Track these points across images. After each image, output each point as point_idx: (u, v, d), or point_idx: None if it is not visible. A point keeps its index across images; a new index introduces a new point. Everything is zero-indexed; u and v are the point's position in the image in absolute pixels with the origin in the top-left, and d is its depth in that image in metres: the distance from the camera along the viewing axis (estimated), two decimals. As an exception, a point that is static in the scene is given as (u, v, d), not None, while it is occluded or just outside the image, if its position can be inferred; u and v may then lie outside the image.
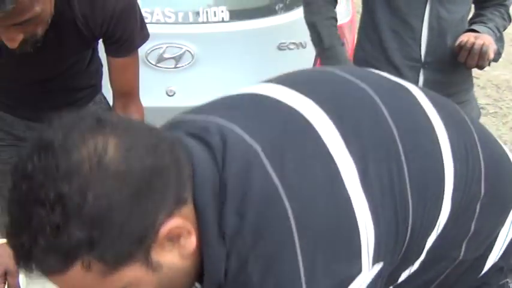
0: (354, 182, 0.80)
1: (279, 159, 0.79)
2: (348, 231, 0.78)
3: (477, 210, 0.96)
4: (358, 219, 0.79)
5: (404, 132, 0.88)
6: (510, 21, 2.06)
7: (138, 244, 0.72)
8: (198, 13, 2.35)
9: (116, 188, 0.69)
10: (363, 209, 0.80)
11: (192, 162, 0.76)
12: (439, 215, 0.90)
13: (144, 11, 2.19)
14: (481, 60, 1.82)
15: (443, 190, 0.91)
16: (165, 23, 2.33)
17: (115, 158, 0.70)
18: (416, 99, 0.96)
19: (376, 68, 1.87)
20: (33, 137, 0.74)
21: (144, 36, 1.59)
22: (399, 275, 0.94)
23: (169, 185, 0.73)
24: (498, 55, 1.93)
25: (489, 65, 1.89)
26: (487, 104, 4.29)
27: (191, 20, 2.35)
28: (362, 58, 2.00)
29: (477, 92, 4.55)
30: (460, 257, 0.97)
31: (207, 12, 2.35)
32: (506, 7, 2.04)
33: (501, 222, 1.01)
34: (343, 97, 0.92)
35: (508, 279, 1.08)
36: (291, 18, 2.46)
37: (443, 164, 0.91)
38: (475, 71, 2.02)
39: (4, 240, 1.35)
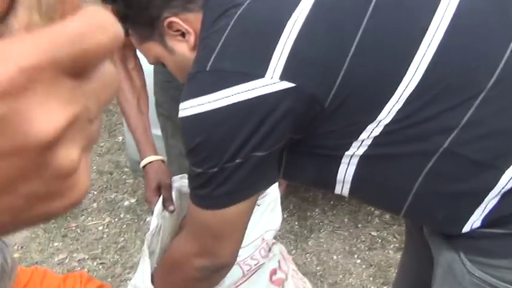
0: (305, 7, 0.92)
1: None
2: (268, 37, 0.91)
3: (476, 103, 0.89)
4: (285, 28, 0.90)
5: None
6: None
7: (151, 27, 1.07)
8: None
9: None
10: (296, 24, 0.90)
11: None
12: (399, 81, 0.90)
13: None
14: None
15: (412, 56, 0.89)
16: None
17: None
18: None
19: None
20: None
21: None
22: (357, 131, 0.94)
23: None
24: None
25: None
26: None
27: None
28: None
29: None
30: (445, 145, 0.92)
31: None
32: None
33: None
34: None
35: None
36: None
37: (423, 32, 0.90)
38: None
39: (159, 157, 1.49)
